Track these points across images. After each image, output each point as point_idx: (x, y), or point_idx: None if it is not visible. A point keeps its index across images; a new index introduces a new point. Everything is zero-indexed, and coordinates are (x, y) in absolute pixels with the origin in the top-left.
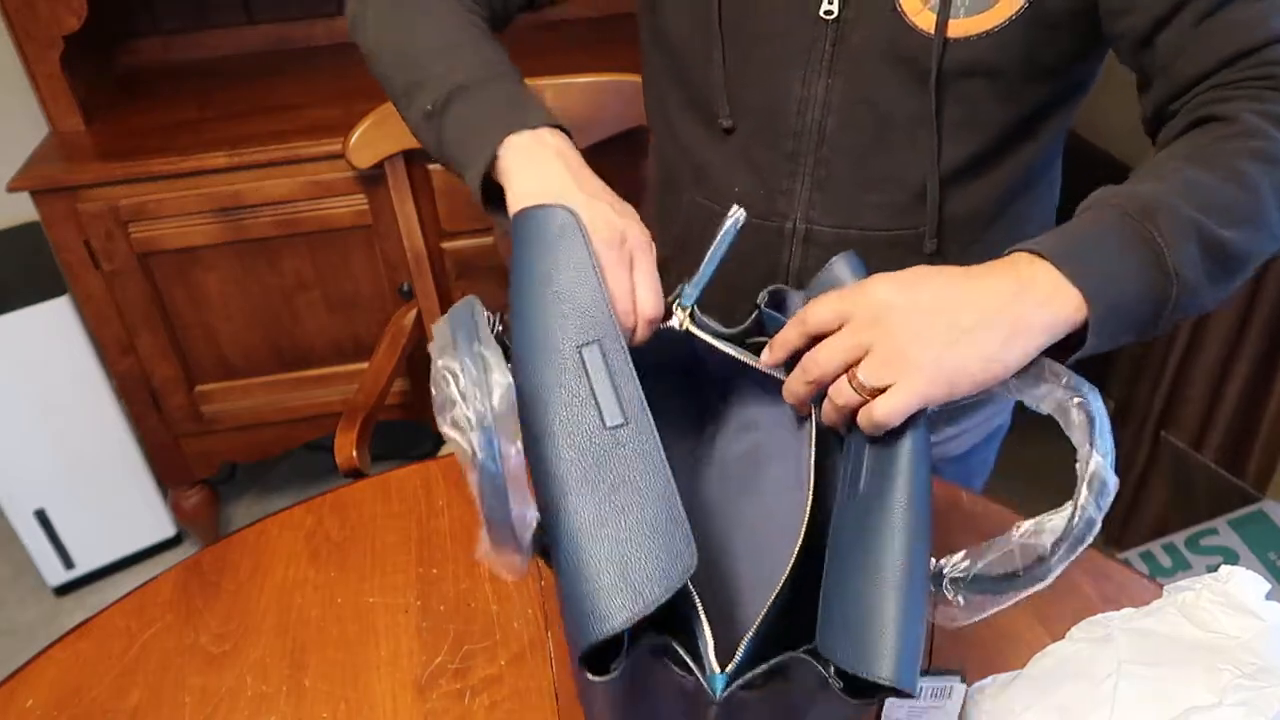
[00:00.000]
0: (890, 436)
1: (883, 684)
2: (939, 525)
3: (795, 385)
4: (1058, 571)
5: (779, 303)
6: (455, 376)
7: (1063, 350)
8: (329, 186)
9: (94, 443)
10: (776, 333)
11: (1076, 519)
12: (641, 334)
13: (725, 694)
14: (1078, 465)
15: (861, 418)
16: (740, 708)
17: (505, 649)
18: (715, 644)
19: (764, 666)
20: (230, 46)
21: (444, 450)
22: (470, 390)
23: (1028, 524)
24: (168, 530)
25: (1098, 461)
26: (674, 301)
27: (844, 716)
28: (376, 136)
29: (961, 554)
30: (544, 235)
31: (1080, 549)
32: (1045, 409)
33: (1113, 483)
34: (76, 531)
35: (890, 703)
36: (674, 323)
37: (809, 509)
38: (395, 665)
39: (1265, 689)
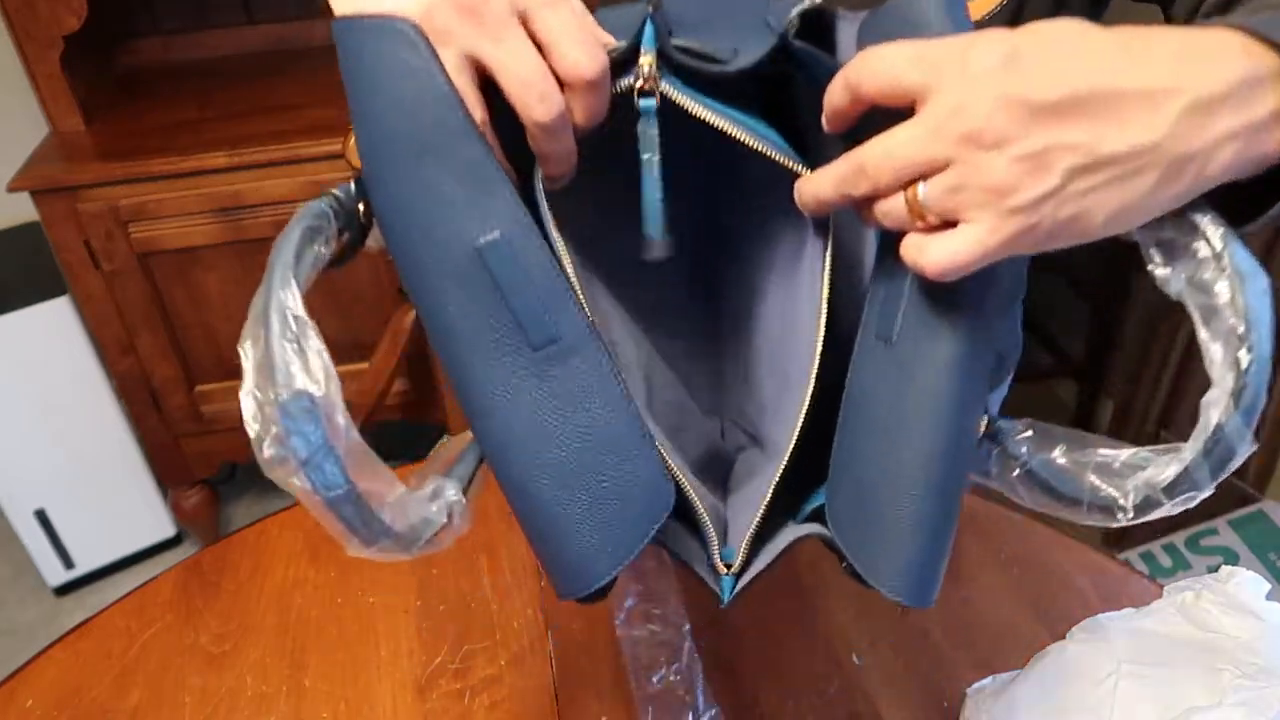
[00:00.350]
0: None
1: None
2: None
3: (822, 188)
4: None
5: (819, 26)
6: (252, 365)
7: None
8: (329, 186)
9: (94, 443)
10: (809, 83)
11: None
12: (584, 108)
13: (731, 599)
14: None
15: (909, 250)
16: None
17: (505, 649)
18: (716, 524)
19: (770, 560)
20: (230, 46)
21: None
22: (275, 381)
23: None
24: (168, 530)
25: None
26: (629, 45)
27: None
28: None
29: (1027, 431)
30: (369, 64)
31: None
32: (1173, 287)
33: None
34: (76, 531)
35: None
36: (631, 79)
37: (814, 376)
38: (395, 665)
39: (1265, 689)
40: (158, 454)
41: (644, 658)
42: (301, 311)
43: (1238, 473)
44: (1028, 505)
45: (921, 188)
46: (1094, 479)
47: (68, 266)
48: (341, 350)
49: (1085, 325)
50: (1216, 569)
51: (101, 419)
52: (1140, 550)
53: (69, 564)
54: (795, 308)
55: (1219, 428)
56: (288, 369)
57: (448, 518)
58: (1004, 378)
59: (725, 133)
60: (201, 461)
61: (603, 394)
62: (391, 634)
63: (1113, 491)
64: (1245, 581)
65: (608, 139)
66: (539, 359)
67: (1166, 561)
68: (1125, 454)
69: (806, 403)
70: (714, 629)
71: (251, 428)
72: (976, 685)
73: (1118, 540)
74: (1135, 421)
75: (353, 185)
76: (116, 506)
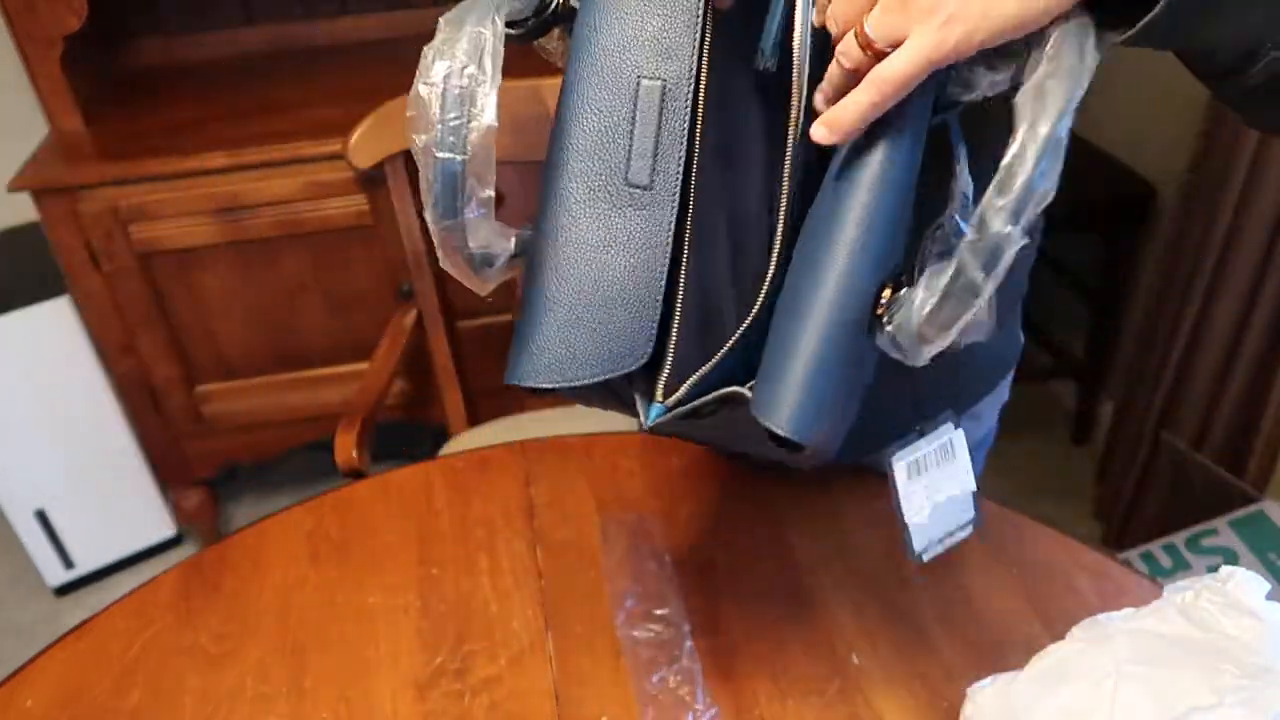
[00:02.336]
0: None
1: (777, 433)
2: None
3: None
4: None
5: None
6: (439, 94)
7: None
8: (329, 186)
9: (94, 443)
10: None
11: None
12: None
13: (654, 425)
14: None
15: (872, 77)
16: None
17: (505, 649)
18: (674, 370)
19: (695, 403)
20: (230, 46)
21: (444, 450)
22: (451, 104)
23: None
24: (168, 530)
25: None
26: None
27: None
28: (376, 136)
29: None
30: None
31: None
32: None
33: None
34: (76, 531)
35: (895, 465)
36: None
37: (780, 235)
38: (395, 665)
39: (1265, 689)
40: (158, 454)
41: (644, 658)
42: (493, 41)
43: (1238, 473)
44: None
45: (867, 22)
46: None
47: (68, 266)
48: (341, 350)
49: (1085, 325)
50: (1216, 569)
51: (101, 419)
52: (1140, 550)
53: (69, 564)
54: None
55: (982, 217)
56: (461, 72)
57: (506, 259)
58: (1004, 378)
59: None
60: (201, 461)
61: (647, 254)
62: (391, 634)
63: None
64: (1245, 581)
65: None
66: (623, 194)
67: (1166, 561)
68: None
69: (770, 273)
70: (714, 629)
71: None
72: (976, 685)
73: (1118, 540)
74: (1135, 421)
75: None
76: (116, 506)
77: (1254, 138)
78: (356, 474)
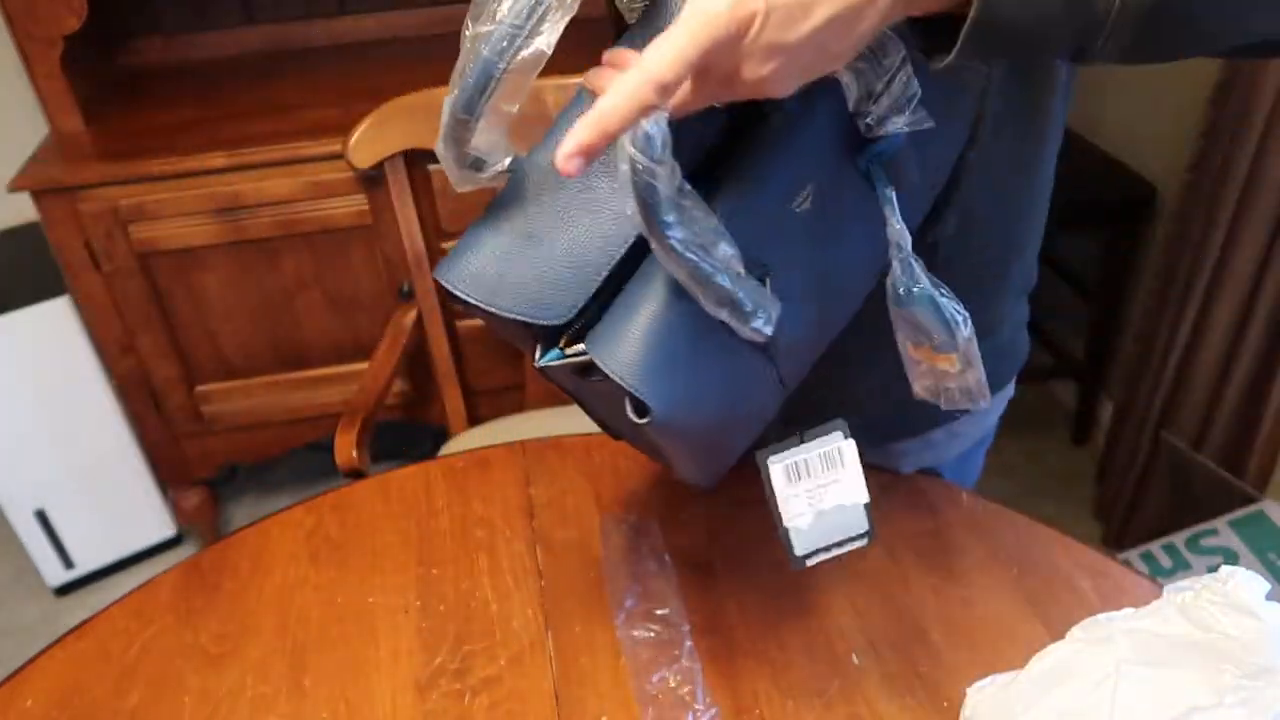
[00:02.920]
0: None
1: (623, 385)
2: (938, 521)
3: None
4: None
5: None
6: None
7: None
8: (329, 186)
9: (94, 443)
10: None
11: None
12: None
13: (543, 365)
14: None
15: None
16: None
17: (505, 649)
18: (586, 328)
19: (578, 359)
20: (230, 46)
21: (444, 450)
22: (522, 10)
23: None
24: (168, 530)
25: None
26: None
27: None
28: (376, 136)
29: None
30: None
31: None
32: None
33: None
34: (76, 531)
35: (771, 466)
36: None
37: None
38: (395, 665)
39: (1265, 689)
40: (158, 454)
41: (644, 658)
42: None
43: (1238, 473)
44: None
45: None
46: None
47: (68, 266)
48: (342, 350)
49: (1085, 325)
50: (1216, 569)
51: (101, 419)
52: (1140, 550)
53: (69, 564)
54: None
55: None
56: None
57: (494, 172)
58: (1014, 374)
59: None
60: (201, 461)
61: (615, 229)
62: (391, 634)
63: None
64: (1245, 581)
65: None
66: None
67: (1166, 561)
68: None
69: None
70: (714, 629)
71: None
72: (976, 685)
73: (1118, 540)
74: (1135, 421)
75: None
76: (116, 506)
77: (1254, 138)
78: (356, 474)
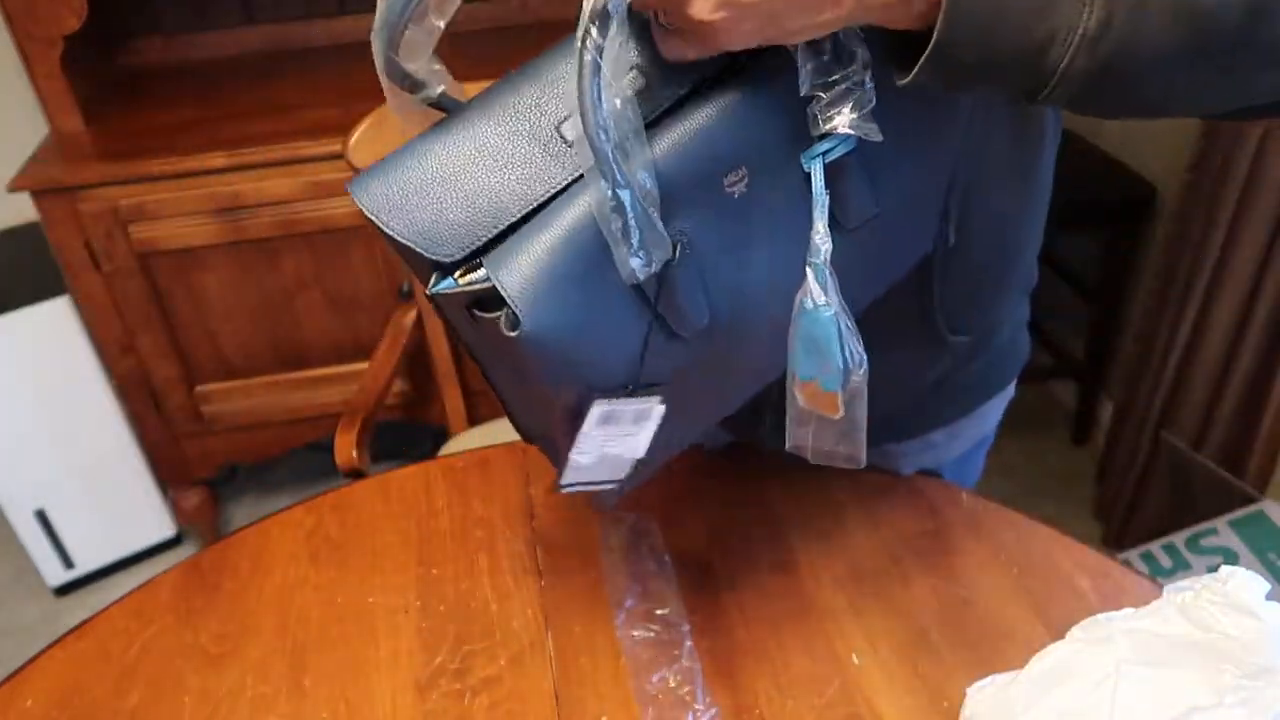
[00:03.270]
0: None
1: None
2: (938, 521)
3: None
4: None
5: None
6: None
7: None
8: (329, 186)
9: (94, 443)
10: None
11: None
12: None
13: (434, 292)
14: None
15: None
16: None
17: (505, 649)
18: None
19: (482, 286)
20: (230, 46)
21: (444, 450)
22: None
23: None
24: (168, 530)
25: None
26: None
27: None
28: (376, 136)
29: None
30: None
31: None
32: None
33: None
34: (76, 531)
35: (594, 408)
36: None
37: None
38: (395, 665)
39: (1265, 689)
40: (158, 454)
41: (644, 658)
42: None
43: (1238, 473)
44: None
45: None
46: None
47: (68, 266)
48: (341, 350)
49: (1085, 325)
50: (1216, 569)
51: (101, 419)
52: (1140, 550)
53: (69, 564)
54: None
55: None
56: None
57: (439, 84)
58: (1016, 374)
59: None
60: (201, 461)
61: (524, 190)
62: (391, 634)
63: None
64: (1245, 581)
65: None
66: (546, 133)
67: (1166, 561)
68: None
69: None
70: (714, 629)
71: None
72: (976, 685)
73: (1118, 540)
74: (1135, 421)
75: None
76: (116, 506)
77: (1254, 138)
78: (356, 474)
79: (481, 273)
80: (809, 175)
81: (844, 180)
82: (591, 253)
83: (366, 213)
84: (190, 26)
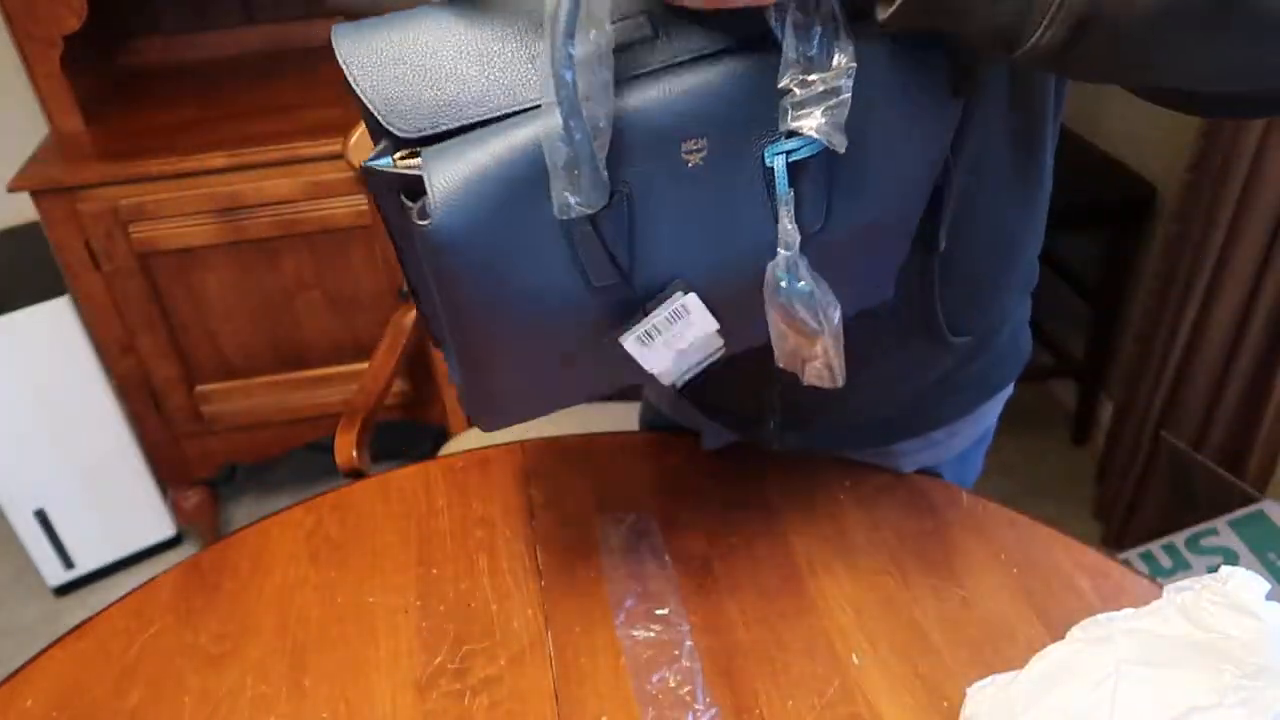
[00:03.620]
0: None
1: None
2: (938, 521)
3: None
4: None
5: None
6: None
7: None
8: (329, 186)
9: (94, 443)
10: None
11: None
12: None
13: (369, 165)
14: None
15: None
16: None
17: (505, 649)
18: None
19: (405, 171)
20: (230, 46)
21: (444, 450)
22: None
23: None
24: (168, 530)
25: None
26: None
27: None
28: None
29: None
30: None
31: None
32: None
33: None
34: (76, 531)
35: (625, 341)
36: None
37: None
38: (395, 665)
39: (1265, 689)
40: (158, 454)
41: (644, 658)
42: None
43: (1238, 473)
44: None
45: None
46: None
47: (68, 266)
48: (342, 350)
49: (1085, 325)
50: (1216, 569)
51: (101, 419)
52: (1140, 550)
53: (69, 564)
54: None
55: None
56: None
57: None
58: (1017, 373)
59: None
60: (201, 461)
61: (502, 97)
62: (391, 634)
63: None
64: (1245, 581)
65: None
66: (536, 48)
67: (1166, 561)
68: None
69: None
70: (714, 629)
71: None
72: (976, 685)
73: (1118, 540)
74: (1135, 421)
75: None
76: (116, 506)
77: (1254, 138)
78: (356, 474)
79: (417, 160)
80: (768, 169)
81: (800, 183)
82: (531, 176)
83: (340, 60)
84: (190, 26)
